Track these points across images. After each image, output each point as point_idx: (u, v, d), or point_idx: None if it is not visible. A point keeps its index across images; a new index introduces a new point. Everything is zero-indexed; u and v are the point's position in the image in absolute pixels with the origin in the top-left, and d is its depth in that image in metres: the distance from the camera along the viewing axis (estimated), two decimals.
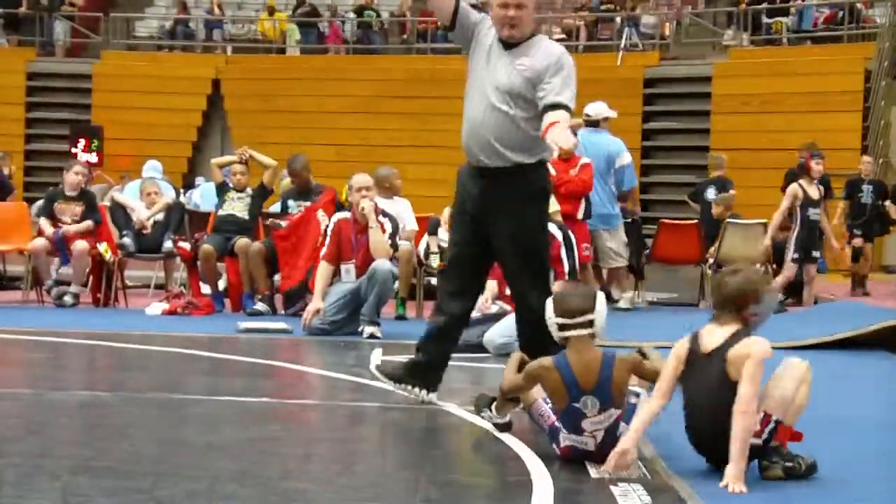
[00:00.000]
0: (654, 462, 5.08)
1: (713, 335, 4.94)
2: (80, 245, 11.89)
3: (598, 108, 12.50)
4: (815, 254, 12.83)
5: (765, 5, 23.64)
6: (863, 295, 14.94)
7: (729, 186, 14.36)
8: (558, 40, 24.64)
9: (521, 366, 5.46)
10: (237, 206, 12.03)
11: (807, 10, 23.08)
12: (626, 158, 12.39)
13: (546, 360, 5.19)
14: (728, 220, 13.52)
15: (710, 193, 14.28)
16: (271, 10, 26.16)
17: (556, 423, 5.20)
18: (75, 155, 17.02)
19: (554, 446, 5.21)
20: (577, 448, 5.12)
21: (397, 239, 10.24)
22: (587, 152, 12.02)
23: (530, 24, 6.27)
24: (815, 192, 12.59)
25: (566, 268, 9.11)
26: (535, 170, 6.26)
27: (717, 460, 4.84)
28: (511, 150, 6.18)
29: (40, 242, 12.04)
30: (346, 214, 10.21)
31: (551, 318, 5.25)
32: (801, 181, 12.63)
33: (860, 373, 8.59)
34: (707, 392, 4.86)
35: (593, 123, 12.40)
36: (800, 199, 12.56)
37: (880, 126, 19.94)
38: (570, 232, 9.37)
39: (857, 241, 15.58)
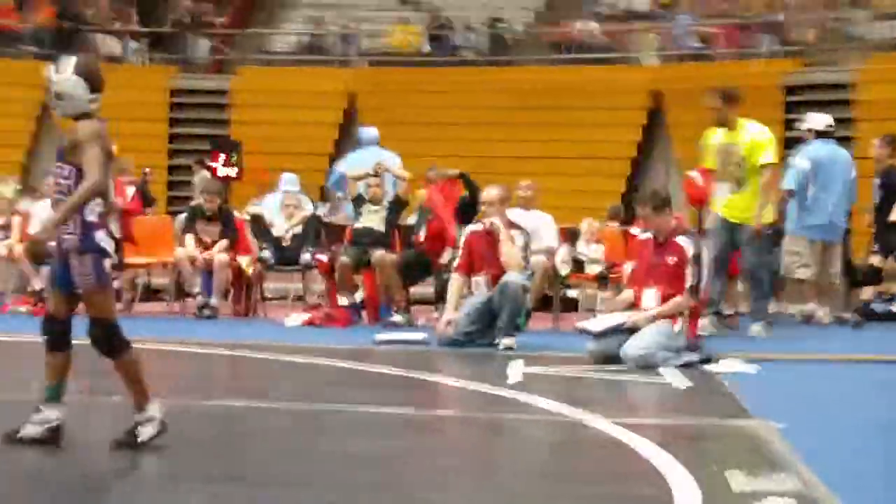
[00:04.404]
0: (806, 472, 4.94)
1: None
2: (221, 258, 12.10)
3: (825, 119, 12.10)
4: None
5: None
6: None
7: None
8: (696, 48, 24.36)
9: None
10: (373, 219, 12.10)
11: None
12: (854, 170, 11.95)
13: None
14: None
15: None
16: (405, 23, 26.34)
17: None
18: (214, 170, 17.25)
19: None
20: None
21: (529, 252, 10.18)
22: (825, 163, 11.62)
23: None
24: None
25: (687, 283, 8.84)
26: None
27: None
28: None
29: (183, 253, 12.28)
30: (478, 227, 10.19)
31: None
32: None
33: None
34: None
35: (824, 134, 11.93)
36: None
37: None
38: (704, 248, 9.10)
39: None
